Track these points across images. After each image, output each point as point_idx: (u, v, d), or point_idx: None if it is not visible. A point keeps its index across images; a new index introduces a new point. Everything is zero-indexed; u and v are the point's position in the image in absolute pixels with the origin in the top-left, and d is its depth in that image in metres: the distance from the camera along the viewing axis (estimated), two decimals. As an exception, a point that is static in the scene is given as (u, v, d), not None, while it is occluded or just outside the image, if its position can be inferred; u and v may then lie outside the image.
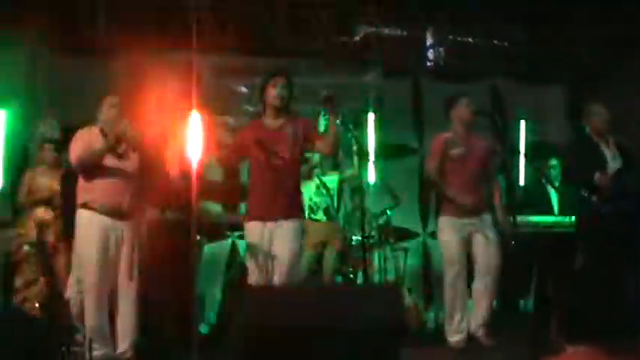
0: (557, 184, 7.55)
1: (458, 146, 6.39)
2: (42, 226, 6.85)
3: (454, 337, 6.32)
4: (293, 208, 5.65)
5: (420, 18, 9.48)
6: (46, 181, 6.95)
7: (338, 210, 7.67)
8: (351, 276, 7.19)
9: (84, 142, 5.61)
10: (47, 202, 6.91)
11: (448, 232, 6.40)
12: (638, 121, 8.25)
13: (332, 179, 7.67)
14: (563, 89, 9.97)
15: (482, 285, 6.34)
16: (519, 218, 6.86)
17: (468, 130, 6.45)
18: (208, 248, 7.41)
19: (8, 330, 5.41)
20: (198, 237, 6.53)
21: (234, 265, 7.05)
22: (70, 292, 6.00)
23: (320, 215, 7.50)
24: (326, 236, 7.41)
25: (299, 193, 5.80)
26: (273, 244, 5.55)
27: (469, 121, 6.44)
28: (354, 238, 7.48)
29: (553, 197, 7.76)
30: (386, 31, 9.38)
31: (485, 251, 6.33)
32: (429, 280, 8.76)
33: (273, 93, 5.68)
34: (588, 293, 2.59)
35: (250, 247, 5.63)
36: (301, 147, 5.75)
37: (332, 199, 7.49)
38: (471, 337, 6.32)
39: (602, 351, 2.47)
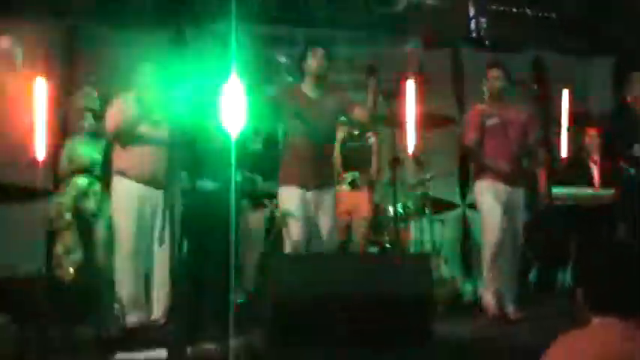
0: (596, 156, 7.43)
1: (492, 116, 6.33)
2: (82, 194, 6.90)
3: (486, 300, 6.31)
4: (328, 177, 5.85)
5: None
6: (85, 149, 6.99)
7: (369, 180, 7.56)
8: (388, 246, 7.16)
9: (119, 110, 5.65)
10: (87, 171, 6.96)
11: (487, 195, 6.32)
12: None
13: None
14: (610, 61, 9.80)
15: (510, 257, 6.31)
16: (560, 190, 6.79)
17: (499, 101, 6.40)
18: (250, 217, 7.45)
19: (47, 295, 5.53)
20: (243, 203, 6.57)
21: (272, 233, 7.03)
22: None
23: (345, 186, 7.39)
24: (352, 205, 7.30)
25: (332, 164, 5.96)
26: (314, 213, 5.68)
27: (495, 93, 6.38)
28: (390, 208, 7.42)
29: (593, 169, 7.65)
30: (427, 1, 9.29)
31: (518, 227, 6.32)
32: (467, 251, 8.70)
33: (312, 63, 5.76)
34: (622, 266, 2.55)
35: (287, 213, 5.68)
36: (337, 119, 5.95)
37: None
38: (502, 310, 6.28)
39: (628, 324, 2.43)
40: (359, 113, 5.82)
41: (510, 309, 6.29)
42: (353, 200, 7.18)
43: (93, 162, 6.91)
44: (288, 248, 5.73)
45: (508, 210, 6.27)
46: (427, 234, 7.64)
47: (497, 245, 6.21)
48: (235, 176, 5.44)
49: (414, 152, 7.84)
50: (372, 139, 7.43)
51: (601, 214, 6.75)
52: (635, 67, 6.85)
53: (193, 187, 6.23)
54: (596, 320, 2.51)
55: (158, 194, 5.64)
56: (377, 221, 7.45)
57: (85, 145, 6.99)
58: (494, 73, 6.40)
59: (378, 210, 7.52)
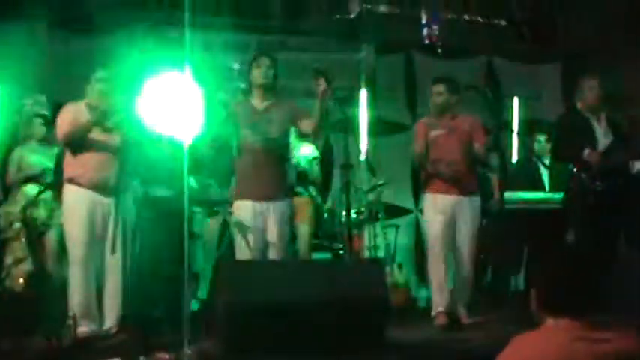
0: (547, 161, 7.52)
1: (437, 128, 6.38)
2: (32, 203, 6.80)
3: (436, 312, 6.30)
4: (281, 189, 5.84)
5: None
6: (35, 158, 6.90)
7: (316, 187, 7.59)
8: (341, 252, 7.16)
9: (70, 116, 5.58)
10: (37, 179, 6.86)
11: (432, 210, 6.41)
12: (633, 98, 8.22)
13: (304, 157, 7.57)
14: (559, 67, 9.93)
15: (461, 264, 6.37)
16: (511, 195, 6.86)
17: (443, 114, 6.44)
18: (200, 224, 7.42)
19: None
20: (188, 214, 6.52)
21: (225, 241, 7.01)
22: None
23: None
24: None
25: (286, 174, 5.95)
26: (266, 224, 5.70)
27: (438, 108, 6.44)
28: (343, 214, 7.43)
29: (544, 174, 7.73)
30: (380, 8, 9.35)
31: (467, 231, 6.35)
32: (420, 256, 8.74)
33: (257, 73, 5.79)
34: (573, 268, 2.58)
35: (239, 225, 5.70)
36: (287, 129, 5.95)
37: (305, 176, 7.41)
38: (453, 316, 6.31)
39: (582, 325, 2.46)
40: (306, 124, 5.83)
41: (462, 314, 6.34)
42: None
43: (43, 170, 6.82)
44: (238, 256, 5.73)
45: (456, 220, 6.34)
46: (380, 240, 7.66)
47: (439, 259, 6.31)
48: (188, 183, 5.39)
49: (366, 158, 7.90)
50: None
51: (552, 218, 6.81)
52: (584, 72, 6.93)
53: (146, 195, 6.19)
54: (549, 321, 2.54)
55: (110, 202, 5.58)
56: (329, 227, 7.47)
57: (35, 153, 6.90)
58: (438, 88, 6.44)
59: (330, 215, 7.53)
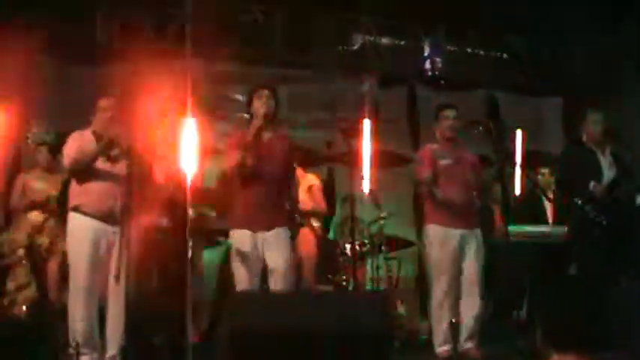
0: (550, 194, 7.54)
1: (445, 157, 6.36)
2: (35, 230, 6.82)
3: (442, 348, 6.25)
4: (281, 218, 5.82)
5: (417, 28, 9.50)
6: (40, 185, 6.93)
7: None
8: (344, 284, 7.15)
9: (77, 144, 5.61)
10: (41, 206, 6.88)
11: (437, 242, 6.32)
12: (635, 132, 8.27)
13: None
14: (561, 100, 9.99)
15: (469, 298, 6.27)
16: (514, 228, 6.87)
17: (451, 141, 6.41)
18: (202, 254, 7.42)
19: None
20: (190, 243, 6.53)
21: (226, 271, 7.01)
22: None
23: None
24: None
25: (286, 204, 5.94)
26: (265, 252, 5.69)
27: (447, 134, 6.40)
28: (346, 246, 7.42)
29: (547, 207, 7.75)
30: (383, 40, 9.41)
31: (474, 265, 6.28)
32: (423, 289, 8.72)
33: (258, 104, 5.78)
34: (577, 303, 2.59)
35: (239, 255, 5.69)
36: (287, 160, 5.94)
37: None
38: (459, 350, 6.25)
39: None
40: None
41: (469, 346, 6.25)
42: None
43: (47, 197, 6.84)
44: (238, 288, 5.70)
45: (465, 253, 6.27)
46: (383, 272, 7.65)
47: (445, 294, 6.24)
48: (190, 212, 5.40)
49: (369, 190, 7.90)
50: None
51: (555, 252, 6.82)
52: (585, 105, 6.98)
53: (151, 223, 6.21)
54: (554, 358, 2.54)
55: (114, 230, 5.58)
56: (332, 259, 7.46)
57: (40, 180, 6.93)
58: (447, 113, 6.41)
59: (334, 248, 7.53)
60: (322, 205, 7.65)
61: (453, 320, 6.25)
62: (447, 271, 6.25)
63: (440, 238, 6.30)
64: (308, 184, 7.55)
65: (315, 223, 7.55)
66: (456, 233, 6.27)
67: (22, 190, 6.93)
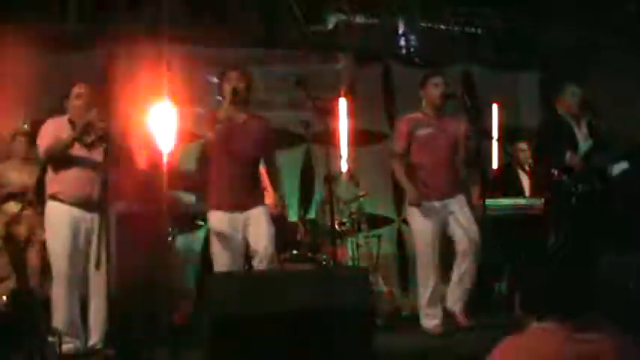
0: (527, 167, 7.59)
1: (426, 126, 6.33)
2: (13, 220, 6.78)
3: (431, 322, 6.25)
4: (255, 197, 5.83)
5: (391, 5, 9.49)
6: (16, 175, 6.88)
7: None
8: (324, 263, 7.17)
9: (52, 132, 5.57)
10: (18, 196, 6.84)
11: (419, 218, 6.29)
12: (611, 104, 8.29)
13: None
14: (537, 75, 10.01)
15: (462, 266, 6.24)
16: (491, 201, 6.90)
17: (437, 111, 6.37)
18: (182, 238, 7.42)
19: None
20: (169, 228, 6.53)
21: (207, 254, 7.01)
22: None
23: None
24: None
25: (260, 185, 5.99)
26: (247, 234, 5.69)
27: (437, 101, 6.34)
28: (326, 225, 7.43)
29: (524, 180, 7.80)
30: (357, 19, 9.39)
31: (465, 232, 6.23)
32: (403, 266, 8.77)
33: (226, 85, 5.76)
34: (556, 271, 2.61)
35: (218, 236, 5.69)
36: (261, 141, 5.90)
37: None
38: (447, 317, 6.27)
39: (567, 327, 2.49)
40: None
41: (458, 312, 6.25)
42: None
43: (24, 187, 6.80)
44: (216, 269, 5.70)
45: (449, 222, 6.26)
46: (363, 250, 7.68)
47: (430, 268, 6.23)
48: (167, 197, 5.39)
49: (347, 169, 7.91)
50: None
51: (533, 223, 6.86)
52: (562, 79, 7.00)
53: (130, 209, 6.20)
54: (534, 325, 2.56)
55: (93, 217, 5.56)
56: (313, 238, 7.47)
57: (17, 170, 6.88)
58: (436, 80, 6.35)
59: (313, 226, 7.54)
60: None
61: (446, 307, 6.28)
62: (432, 246, 6.23)
63: (421, 214, 6.26)
64: None
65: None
66: (436, 204, 6.26)
67: (-1, 180, 6.89)
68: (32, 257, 6.71)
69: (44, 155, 5.59)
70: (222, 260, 5.66)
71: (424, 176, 6.30)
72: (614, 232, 6.18)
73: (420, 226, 6.30)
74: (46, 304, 5.71)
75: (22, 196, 6.82)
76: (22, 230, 6.76)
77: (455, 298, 6.28)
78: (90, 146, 5.62)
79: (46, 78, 7.32)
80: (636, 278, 4.27)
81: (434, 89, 6.35)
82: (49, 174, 5.65)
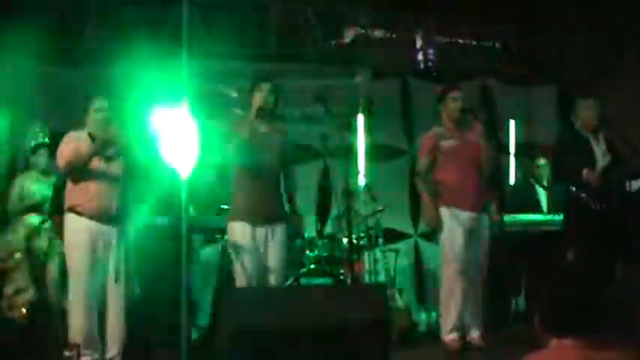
0: (545, 183, 7.56)
1: (448, 138, 6.34)
2: (33, 232, 6.81)
3: (449, 336, 6.22)
4: (277, 210, 5.83)
5: (408, 20, 9.51)
6: (37, 187, 6.92)
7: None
8: (342, 277, 7.17)
9: (72, 145, 5.59)
10: (38, 208, 6.88)
11: (448, 221, 6.27)
12: (629, 120, 8.27)
13: None
14: (554, 89, 9.99)
15: (474, 285, 6.24)
16: (509, 217, 6.89)
17: (456, 124, 6.39)
18: (202, 252, 7.45)
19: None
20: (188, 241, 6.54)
21: (225, 268, 7.02)
22: None
23: None
24: None
25: (282, 197, 5.95)
26: (266, 248, 5.70)
27: (456, 115, 6.37)
28: (343, 240, 7.43)
29: (542, 196, 7.77)
30: (375, 33, 9.42)
31: (480, 251, 6.25)
32: (420, 281, 8.76)
33: (258, 97, 5.81)
34: (574, 288, 2.61)
35: (236, 248, 5.69)
36: (286, 153, 5.95)
37: None
38: (465, 338, 6.24)
39: (585, 344, 2.49)
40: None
41: (475, 335, 6.25)
42: None
43: (44, 199, 6.84)
44: (237, 283, 5.71)
45: (472, 236, 6.24)
46: (380, 264, 7.67)
47: (459, 279, 6.17)
48: (187, 211, 5.40)
49: (366, 183, 7.91)
50: None
51: (551, 240, 6.84)
52: (579, 93, 6.98)
53: (146, 223, 6.21)
54: (553, 342, 2.56)
55: (111, 230, 5.58)
56: (330, 252, 7.46)
57: (37, 182, 6.92)
58: (454, 94, 6.40)
59: (330, 241, 7.54)
60: None
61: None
62: (457, 255, 6.19)
63: (448, 221, 6.26)
64: None
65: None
66: (464, 216, 6.24)
67: (19, 193, 6.92)
68: (51, 270, 6.74)
69: (63, 168, 5.62)
70: (239, 271, 5.66)
71: (451, 187, 6.28)
72: (632, 249, 6.16)
73: (449, 230, 6.26)
74: (64, 317, 5.73)
75: (42, 209, 6.86)
76: (41, 243, 6.80)
77: (472, 323, 6.28)
78: (109, 160, 5.66)
79: (69, 94, 7.38)
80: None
81: (453, 103, 6.38)
82: (68, 187, 5.67)
